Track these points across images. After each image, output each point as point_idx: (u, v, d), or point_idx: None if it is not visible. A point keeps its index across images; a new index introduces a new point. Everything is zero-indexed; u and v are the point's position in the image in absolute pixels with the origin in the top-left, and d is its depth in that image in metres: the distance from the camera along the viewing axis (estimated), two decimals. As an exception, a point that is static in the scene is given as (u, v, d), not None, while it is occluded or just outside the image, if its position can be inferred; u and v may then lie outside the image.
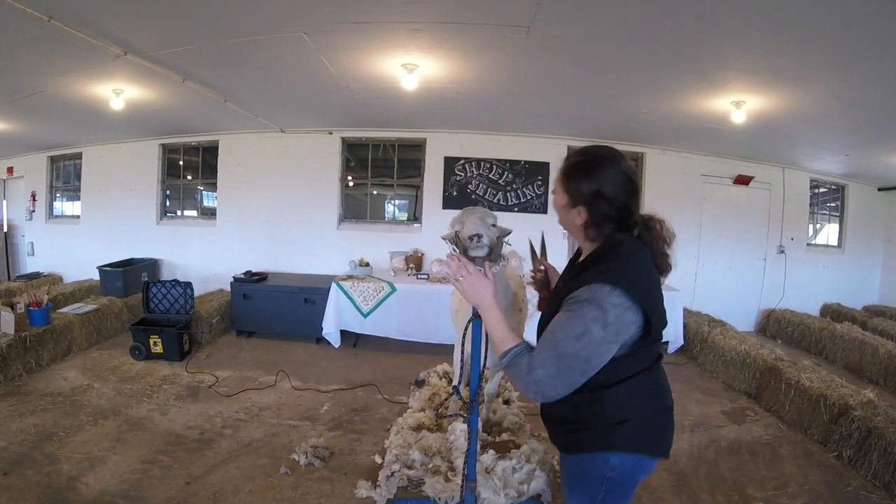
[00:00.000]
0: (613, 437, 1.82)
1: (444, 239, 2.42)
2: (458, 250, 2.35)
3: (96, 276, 8.43)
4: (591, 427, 1.85)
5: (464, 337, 2.48)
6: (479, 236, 2.28)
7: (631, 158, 8.81)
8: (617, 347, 1.71)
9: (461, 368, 2.72)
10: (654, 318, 1.75)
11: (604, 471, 1.84)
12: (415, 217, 9.16)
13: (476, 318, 2.42)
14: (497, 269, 2.29)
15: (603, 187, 1.84)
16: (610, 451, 1.83)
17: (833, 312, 9.61)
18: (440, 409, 3.70)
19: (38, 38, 4.55)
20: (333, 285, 7.10)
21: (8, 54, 5.12)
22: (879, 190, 10.46)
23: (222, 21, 4.39)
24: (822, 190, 10.32)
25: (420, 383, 4.84)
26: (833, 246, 10.52)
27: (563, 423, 1.96)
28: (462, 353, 2.58)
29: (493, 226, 2.31)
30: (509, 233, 2.43)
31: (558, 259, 2.45)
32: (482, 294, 1.95)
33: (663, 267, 1.93)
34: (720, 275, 9.36)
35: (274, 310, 7.48)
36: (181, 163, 9.70)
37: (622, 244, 1.84)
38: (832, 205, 10.55)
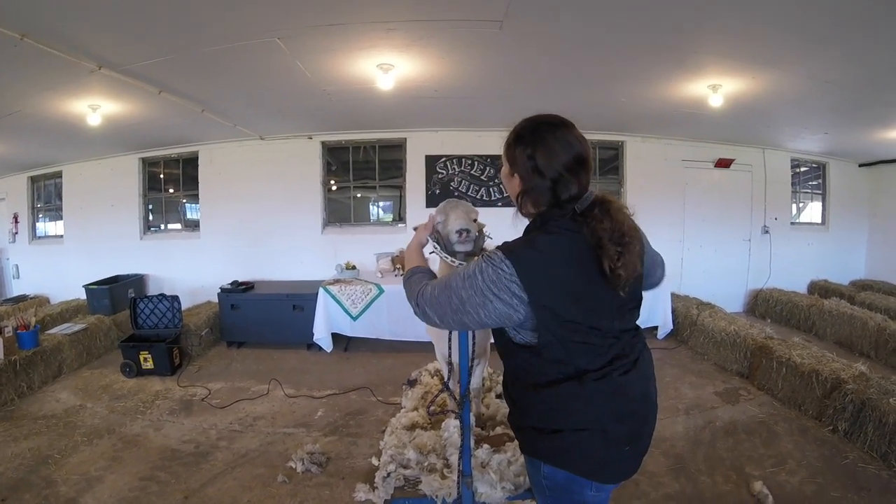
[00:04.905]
0: (539, 446, 1.78)
1: (416, 230, 2.42)
2: (440, 247, 2.34)
3: (83, 296, 8.36)
4: (524, 430, 1.84)
5: (450, 335, 2.49)
6: (468, 231, 2.29)
7: (611, 147, 8.89)
8: (498, 306, 1.64)
9: (448, 365, 2.72)
10: (536, 309, 1.62)
11: (539, 478, 1.81)
12: (400, 217, 9.14)
13: None
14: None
15: (536, 153, 1.72)
16: (539, 459, 1.80)
17: (820, 289, 9.70)
18: (431, 407, 3.70)
19: (12, 57, 4.49)
20: (321, 290, 7.07)
21: (-18, 76, 5.06)
22: (860, 166, 10.57)
23: (195, 30, 4.36)
24: (803, 169, 10.40)
25: (412, 383, 4.84)
26: (817, 223, 10.60)
27: (510, 417, 1.95)
28: (449, 351, 2.59)
29: (475, 221, 2.31)
30: (483, 226, 2.44)
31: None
32: (415, 239, 2.17)
33: (604, 265, 1.63)
34: (706, 258, 9.42)
35: (263, 318, 7.45)
36: (162, 176, 9.61)
37: (550, 222, 1.72)
38: (814, 183, 10.63)
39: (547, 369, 1.71)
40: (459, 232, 2.30)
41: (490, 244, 2.30)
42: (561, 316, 1.63)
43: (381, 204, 9.68)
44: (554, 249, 1.65)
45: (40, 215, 10.57)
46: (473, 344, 2.62)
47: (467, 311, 1.68)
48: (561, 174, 1.70)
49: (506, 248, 1.67)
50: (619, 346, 1.75)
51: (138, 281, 9.07)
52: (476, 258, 1.73)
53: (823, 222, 10.55)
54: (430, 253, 2.45)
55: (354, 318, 7.08)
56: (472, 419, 3.29)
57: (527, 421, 1.81)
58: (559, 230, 1.68)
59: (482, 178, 8.72)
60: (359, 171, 9.08)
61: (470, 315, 1.69)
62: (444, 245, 2.35)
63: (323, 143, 8.87)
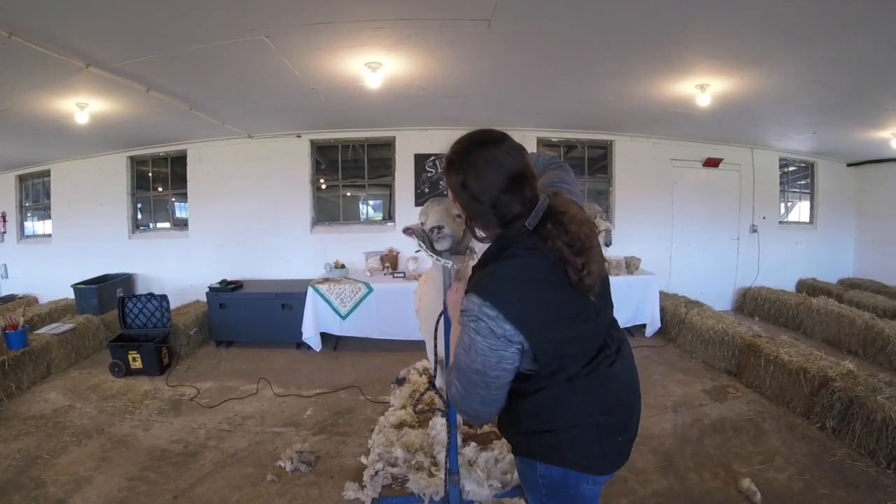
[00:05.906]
0: (534, 446, 1.79)
1: (405, 232, 2.41)
2: (424, 245, 2.35)
3: (71, 295, 8.32)
4: (517, 432, 1.85)
5: (435, 331, 2.49)
6: (440, 228, 2.29)
7: (600, 147, 8.89)
8: (516, 355, 1.63)
9: (436, 363, 2.72)
10: (532, 341, 1.61)
11: (535, 477, 1.82)
12: (390, 216, 9.11)
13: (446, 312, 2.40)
14: (450, 264, 2.30)
15: (469, 180, 1.64)
16: (534, 459, 1.80)
17: (809, 287, 9.75)
18: (418, 406, 3.71)
19: (0, 55, 4.48)
20: (310, 289, 7.06)
21: (-30, 74, 5.02)
22: (848, 165, 10.63)
23: (183, 28, 4.34)
24: (791, 168, 10.46)
25: (401, 381, 4.84)
26: (805, 222, 10.66)
27: (500, 422, 1.94)
28: (435, 347, 2.59)
29: (458, 216, 2.29)
30: None
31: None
32: (457, 311, 1.87)
33: (570, 276, 1.62)
34: (694, 256, 9.47)
35: (252, 318, 7.43)
36: (150, 174, 9.54)
37: (511, 246, 1.67)
38: (802, 182, 10.68)
39: (541, 382, 1.71)
40: (432, 229, 2.32)
41: (476, 242, 2.29)
42: (552, 334, 1.64)
43: (370, 203, 9.64)
44: (522, 273, 1.63)
45: (28, 214, 10.49)
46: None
47: (493, 377, 1.64)
48: (498, 197, 1.63)
49: (477, 289, 1.63)
50: (601, 336, 1.78)
51: (127, 280, 9.02)
52: (463, 316, 1.65)
53: (812, 221, 10.61)
54: (417, 251, 2.46)
55: (343, 317, 7.08)
56: (459, 417, 3.30)
57: (521, 427, 1.81)
58: (522, 252, 1.65)
59: (471, 176, 8.66)
60: (348, 169, 9.04)
61: (499, 379, 1.66)
62: (430, 244, 2.36)
63: (312, 142, 8.84)
